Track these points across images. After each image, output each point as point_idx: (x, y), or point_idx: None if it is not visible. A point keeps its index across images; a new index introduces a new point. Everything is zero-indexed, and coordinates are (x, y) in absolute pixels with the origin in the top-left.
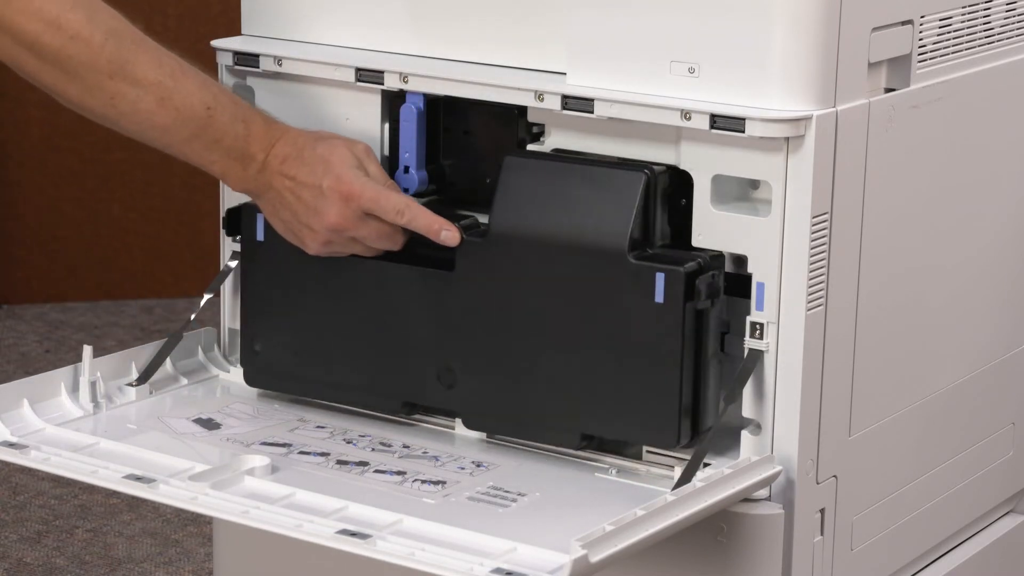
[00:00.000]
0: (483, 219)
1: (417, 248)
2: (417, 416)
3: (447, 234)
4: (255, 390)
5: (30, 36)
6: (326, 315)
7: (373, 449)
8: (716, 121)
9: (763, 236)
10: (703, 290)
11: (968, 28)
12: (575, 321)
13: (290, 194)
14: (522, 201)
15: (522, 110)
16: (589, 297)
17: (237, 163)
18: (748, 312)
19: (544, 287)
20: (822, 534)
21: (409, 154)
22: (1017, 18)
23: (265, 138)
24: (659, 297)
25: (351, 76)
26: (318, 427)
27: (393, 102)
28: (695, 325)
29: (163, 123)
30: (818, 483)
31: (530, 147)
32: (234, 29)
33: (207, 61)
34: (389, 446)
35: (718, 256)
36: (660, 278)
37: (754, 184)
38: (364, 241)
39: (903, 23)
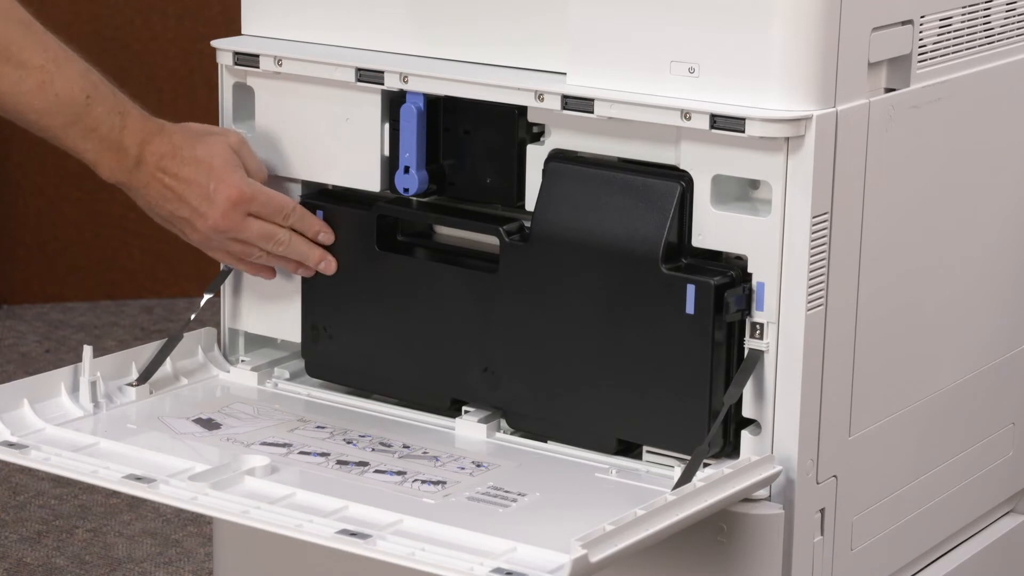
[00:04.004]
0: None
1: (462, 250)
2: (418, 416)
3: (324, 236)
4: (255, 389)
5: None
6: (381, 313)
7: (373, 449)
8: (716, 121)
9: (763, 236)
10: (732, 303)
11: (968, 28)
12: (610, 327)
13: (171, 192)
14: (562, 207)
15: (522, 110)
16: (624, 304)
17: (111, 154)
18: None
19: (582, 292)
20: (822, 534)
21: (409, 154)
22: (1017, 18)
23: (140, 131)
24: (690, 308)
25: (351, 76)
26: (318, 427)
27: (393, 102)
28: (725, 336)
29: (42, 107)
30: (818, 483)
31: (569, 149)
32: (234, 29)
33: (207, 61)
34: (389, 446)
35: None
36: (691, 290)
37: (754, 184)
38: (247, 240)
39: (903, 23)
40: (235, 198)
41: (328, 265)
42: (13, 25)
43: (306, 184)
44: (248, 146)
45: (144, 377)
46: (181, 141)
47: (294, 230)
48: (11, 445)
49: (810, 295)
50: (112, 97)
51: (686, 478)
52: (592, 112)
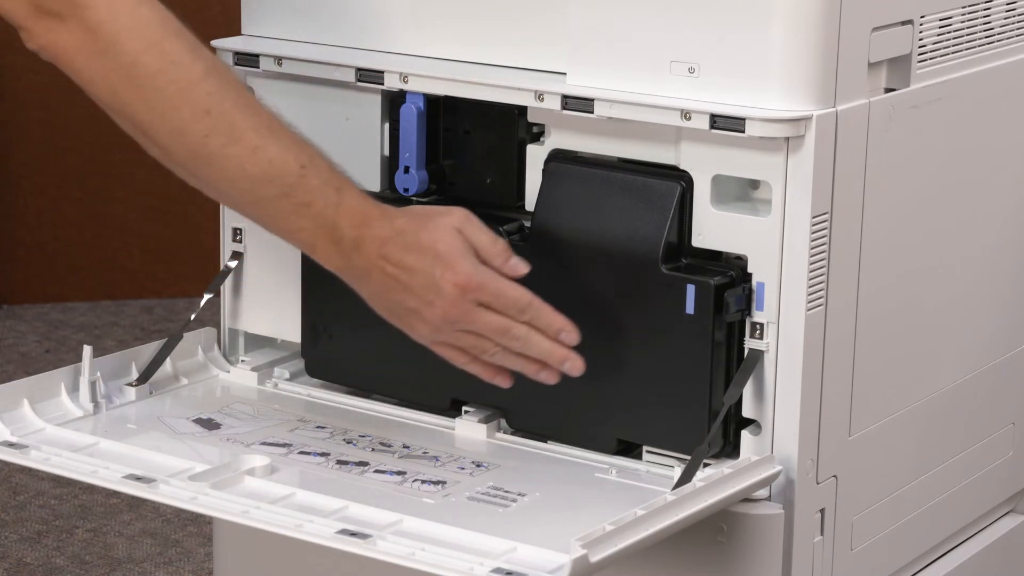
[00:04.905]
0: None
1: None
2: (418, 416)
3: (566, 335)
4: (255, 389)
5: (131, 55)
6: None
7: (373, 449)
8: (716, 121)
9: (763, 236)
10: (732, 303)
11: (968, 28)
12: (611, 327)
13: (396, 282)
14: (562, 207)
15: (522, 110)
16: (624, 304)
17: (327, 236)
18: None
19: (582, 292)
20: (822, 534)
21: (409, 154)
22: (1017, 18)
23: (358, 212)
24: (690, 308)
25: (351, 76)
26: (318, 427)
27: (393, 102)
28: (725, 336)
29: (253, 173)
30: (818, 483)
31: (570, 149)
32: (234, 29)
33: None
34: (389, 446)
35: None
36: (691, 290)
37: (754, 184)
38: (479, 331)
39: (903, 23)
40: (463, 284)
41: (575, 366)
42: (227, 86)
43: None
44: (474, 221)
45: (144, 377)
46: (404, 225)
47: (532, 326)
48: (11, 445)
49: (810, 295)
50: (329, 171)
51: (686, 478)
52: (592, 112)
